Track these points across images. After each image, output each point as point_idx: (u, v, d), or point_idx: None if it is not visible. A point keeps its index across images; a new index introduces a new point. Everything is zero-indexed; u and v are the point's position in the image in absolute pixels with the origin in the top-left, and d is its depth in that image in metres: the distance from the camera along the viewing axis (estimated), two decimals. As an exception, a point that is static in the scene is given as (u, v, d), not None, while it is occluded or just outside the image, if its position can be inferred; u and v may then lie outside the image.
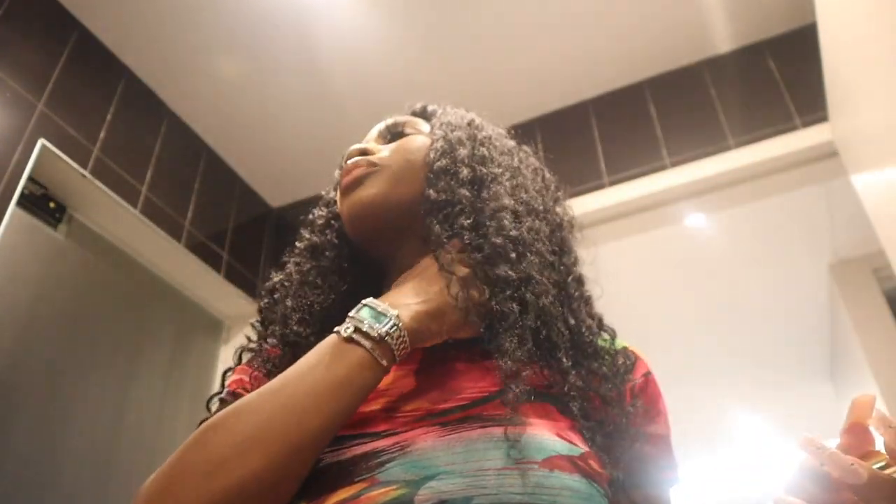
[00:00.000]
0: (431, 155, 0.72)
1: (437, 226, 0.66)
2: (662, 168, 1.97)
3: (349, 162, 0.73)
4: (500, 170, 0.74)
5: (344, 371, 0.54)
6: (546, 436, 0.56)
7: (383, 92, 2.08)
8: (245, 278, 2.27)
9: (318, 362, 0.56)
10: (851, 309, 2.59)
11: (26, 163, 1.59)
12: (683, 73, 2.11)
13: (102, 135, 1.85)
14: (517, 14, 1.95)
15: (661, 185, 1.94)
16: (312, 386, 0.54)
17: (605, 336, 0.73)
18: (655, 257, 2.66)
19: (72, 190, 1.77)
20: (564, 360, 0.63)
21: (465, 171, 0.70)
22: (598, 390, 0.64)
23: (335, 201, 0.79)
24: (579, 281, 0.74)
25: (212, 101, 2.15)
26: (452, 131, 0.75)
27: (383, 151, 0.75)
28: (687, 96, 2.06)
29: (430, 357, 0.64)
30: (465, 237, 0.65)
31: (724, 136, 1.94)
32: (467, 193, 0.68)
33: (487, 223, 0.66)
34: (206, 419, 0.57)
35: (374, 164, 0.72)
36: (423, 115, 0.85)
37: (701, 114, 2.01)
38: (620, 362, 0.69)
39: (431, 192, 0.69)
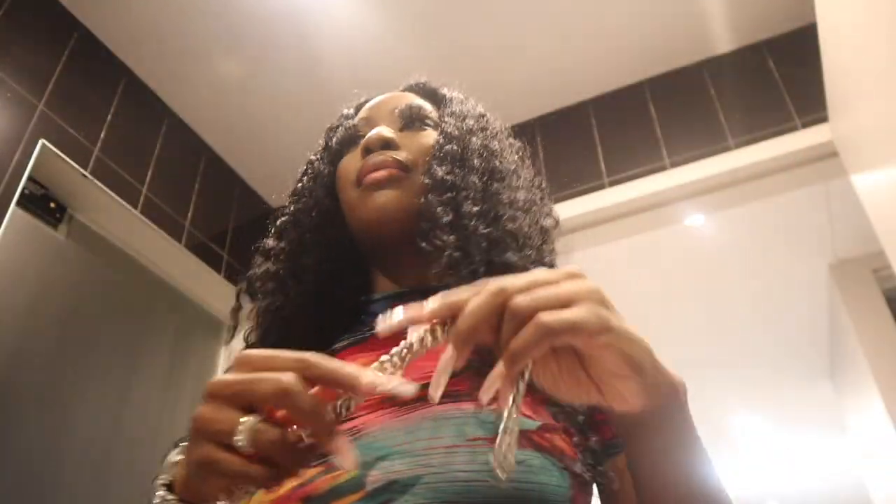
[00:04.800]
0: (441, 139, 0.71)
1: (440, 208, 0.65)
2: (662, 168, 1.97)
3: (376, 156, 0.70)
4: (511, 166, 0.74)
5: None
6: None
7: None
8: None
9: None
10: (851, 309, 2.59)
11: (27, 163, 1.59)
12: (683, 73, 2.11)
13: (102, 135, 1.85)
14: (516, 14, 1.95)
15: (661, 185, 1.94)
16: None
17: None
18: (655, 258, 2.66)
19: (72, 190, 1.77)
20: None
21: (475, 161, 0.70)
22: None
23: (327, 173, 0.79)
24: None
25: (212, 102, 2.15)
26: (464, 120, 0.75)
27: (407, 149, 0.72)
28: (687, 96, 2.06)
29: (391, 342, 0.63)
30: (470, 224, 0.64)
31: (724, 136, 1.94)
32: (477, 181, 0.68)
33: (501, 213, 0.66)
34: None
35: (402, 167, 0.69)
36: (434, 97, 0.83)
37: (701, 114, 2.01)
38: None
39: (439, 170, 0.67)
